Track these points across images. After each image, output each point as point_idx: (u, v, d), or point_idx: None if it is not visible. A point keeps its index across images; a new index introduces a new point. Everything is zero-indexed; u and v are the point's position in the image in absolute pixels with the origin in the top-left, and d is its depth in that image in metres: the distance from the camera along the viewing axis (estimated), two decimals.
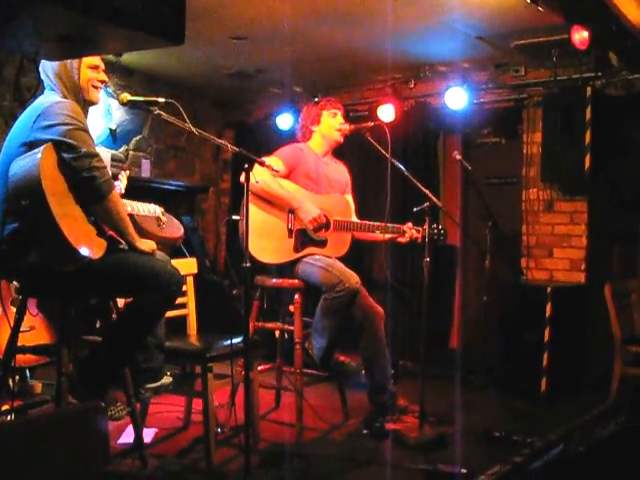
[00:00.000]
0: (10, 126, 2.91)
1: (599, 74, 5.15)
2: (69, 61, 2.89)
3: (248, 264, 3.03)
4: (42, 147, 2.64)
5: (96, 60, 2.98)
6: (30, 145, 2.70)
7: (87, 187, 2.72)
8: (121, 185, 3.29)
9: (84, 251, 2.65)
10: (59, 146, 2.68)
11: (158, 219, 3.22)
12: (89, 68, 2.95)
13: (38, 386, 4.37)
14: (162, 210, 3.30)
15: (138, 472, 3.15)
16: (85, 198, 2.76)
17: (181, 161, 7.09)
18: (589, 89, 4.98)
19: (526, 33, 4.87)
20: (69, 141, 2.69)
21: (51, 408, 3.65)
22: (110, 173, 2.86)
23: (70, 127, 2.72)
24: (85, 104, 2.95)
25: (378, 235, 4.19)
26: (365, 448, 3.72)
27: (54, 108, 2.76)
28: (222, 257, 7.38)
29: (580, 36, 4.34)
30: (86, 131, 2.80)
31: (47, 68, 2.89)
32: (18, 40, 1.82)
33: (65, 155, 2.68)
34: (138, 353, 3.12)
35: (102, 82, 3.02)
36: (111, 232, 2.92)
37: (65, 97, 2.86)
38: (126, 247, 2.96)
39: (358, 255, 5.65)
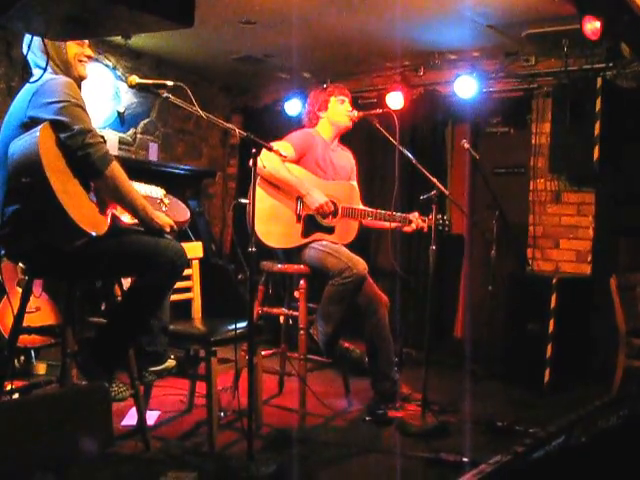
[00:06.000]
0: None
1: (610, 65, 5.12)
2: None
3: (254, 249, 3.03)
4: (40, 126, 2.63)
5: None
6: (27, 125, 2.69)
7: (83, 164, 2.72)
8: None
9: (86, 228, 2.65)
10: (55, 125, 2.68)
11: (160, 201, 3.21)
12: (75, 43, 2.95)
13: (43, 367, 4.40)
14: (164, 192, 3.29)
15: (140, 454, 3.16)
16: (84, 175, 2.76)
17: (189, 145, 7.09)
18: (600, 80, 4.94)
19: (537, 22, 4.83)
20: (63, 119, 2.68)
21: (55, 389, 3.66)
22: (107, 148, 2.85)
23: (64, 104, 2.71)
24: (76, 80, 2.93)
25: (385, 223, 4.19)
26: (367, 435, 3.73)
27: (48, 85, 2.75)
28: (228, 242, 7.38)
29: (592, 26, 4.30)
30: (80, 107, 2.78)
31: (35, 47, 2.88)
32: (26, 20, 1.82)
33: (60, 134, 2.68)
34: (142, 336, 3.13)
35: (88, 57, 3.02)
36: (114, 212, 2.92)
37: (56, 74, 2.86)
38: (140, 227, 2.97)
39: (364, 242, 5.64)
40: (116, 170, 2.82)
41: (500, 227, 4.80)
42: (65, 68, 2.92)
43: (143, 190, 3.15)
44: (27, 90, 2.80)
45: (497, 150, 5.99)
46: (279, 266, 4.06)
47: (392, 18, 4.89)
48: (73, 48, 2.94)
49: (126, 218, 3.00)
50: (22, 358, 4.37)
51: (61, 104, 2.70)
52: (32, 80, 2.81)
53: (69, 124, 2.69)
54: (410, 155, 4.09)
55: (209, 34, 5.49)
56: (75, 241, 2.68)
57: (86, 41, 3.01)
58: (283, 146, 3.85)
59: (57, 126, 2.68)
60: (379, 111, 4.29)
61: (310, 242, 4.01)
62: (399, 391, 4.08)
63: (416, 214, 4.23)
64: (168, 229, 3.03)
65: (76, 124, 2.70)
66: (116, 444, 3.18)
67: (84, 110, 2.81)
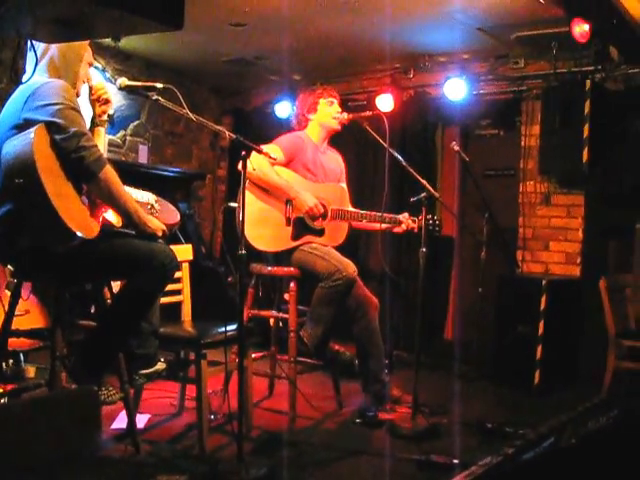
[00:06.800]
0: None
1: (599, 67, 5.14)
2: (76, 52, 2.93)
3: (243, 251, 3.02)
4: (34, 127, 2.63)
5: (92, 59, 3.07)
6: (21, 127, 2.69)
7: (77, 167, 2.72)
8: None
9: (77, 230, 2.64)
10: (49, 127, 2.68)
11: (151, 207, 3.21)
12: (87, 63, 3.03)
13: (32, 370, 4.37)
14: (155, 198, 3.29)
15: (130, 457, 3.15)
16: (78, 178, 2.76)
17: (178, 147, 7.07)
18: (588, 82, 4.96)
19: (526, 25, 4.85)
20: (58, 121, 2.68)
21: (44, 392, 3.64)
22: (102, 152, 2.85)
23: (60, 107, 2.71)
24: None
25: (375, 224, 4.20)
26: (358, 437, 3.73)
27: (44, 88, 2.75)
28: (218, 244, 7.37)
29: (581, 29, 4.32)
30: (76, 110, 2.79)
31: (52, 49, 2.88)
32: (15, 22, 1.81)
33: (55, 136, 2.68)
34: (132, 339, 3.12)
35: (88, 79, 3.07)
36: (105, 216, 2.91)
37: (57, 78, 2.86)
38: (132, 231, 2.96)
39: (354, 245, 5.65)
40: (110, 174, 2.82)
41: (490, 229, 4.81)
42: (71, 80, 2.92)
43: (134, 195, 3.15)
44: (21, 92, 2.79)
45: (487, 152, 6.01)
46: (269, 269, 4.05)
47: (382, 21, 4.90)
48: (85, 68, 3.00)
49: (114, 219, 3.00)
50: (11, 361, 4.34)
51: (57, 106, 2.71)
52: (24, 80, 2.81)
53: (64, 126, 2.69)
54: (400, 157, 4.09)
55: (199, 36, 5.49)
56: (66, 243, 2.67)
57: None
58: (272, 149, 3.85)
59: (52, 128, 2.68)
60: (369, 113, 4.28)
61: (300, 245, 4.01)
62: (389, 393, 4.09)
63: (406, 215, 4.23)
64: (160, 233, 3.03)
65: (71, 127, 2.71)
66: (106, 447, 3.17)
67: (79, 113, 2.81)
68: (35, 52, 2.73)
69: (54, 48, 2.87)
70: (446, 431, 3.77)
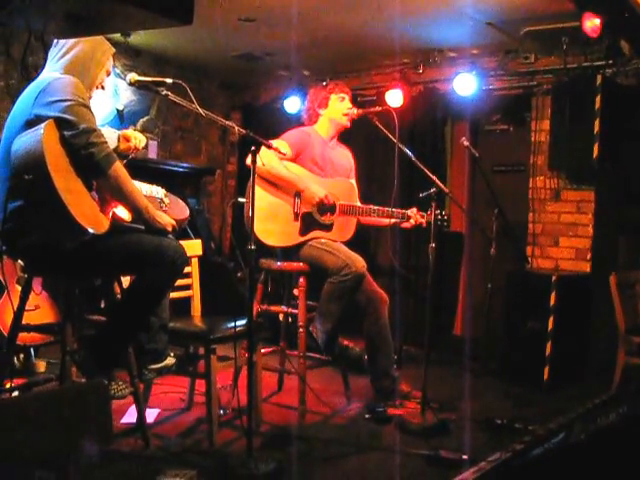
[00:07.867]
0: None
1: (610, 62, 5.10)
2: (99, 59, 2.97)
3: (253, 246, 3.03)
4: (44, 123, 2.64)
5: (111, 68, 3.10)
6: (32, 122, 2.70)
7: (87, 163, 2.73)
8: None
9: (88, 226, 2.65)
10: (59, 123, 2.69)
11: (161, 201, 3.22)
12: (106, 71, 3.05)
13: (42, 365, 4.40)
14: (165, 192, 3.30)
15: (140, 452, 3.17)
16: (87, 174, 2.77)
17: (188, 143, 7.08)
18: (599, 77, 4.93)
19: (537, 20, 4.82)
20: (68, 117, 2.70)
21: (55, 387, 3.66)
22: (111, 148, 2.87)
23: (70, 103, 2.72)
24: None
25: (383, 220, 4.19)
26: (367, 433, 3.73)
27: (55, 84, 2.77)
28: (227, 239, 7.38)
29: (592, 24, 4.30)
30: (86, 106, 2.81)
31: (75, 50, 2.90)
32: (26, 17, 1.82)
33: (65, 132, 2.69)
34: (142, 334, 3.13)
35: (103, 87, 3.09)
36: (114, 211, 2.92)
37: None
38: (141, 227, 2.97)
39: (363, 240, 5.64)
40: (119, 170, 2.83)
41: (499, 225, 4.79)
42: (88, 86, 2.93)
43: (144, 189, 3.16)
44: (33, 88, 2.81)
45: (497, 148, 5.99)
46: (278, 264, 4.05)
47: (391, 15, 4.88)
48: (102, 75, 3.03)
49: (124, 214, 3.01)
50: (22, 356, 4.37)
51: (67, 103, 2.72)
52: (38, 78, 2.82)
53: (74, 123, 2.70)
54: (409, 153, 4.08)
55: (208, 31, 5.49)
56: (76, 239, 2.68)
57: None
58: (279, 144, 3.85)
59: (62, 124, 2.70)
60: (379, 109, 4.28)
61: (308, 240, 4.01)
62: (398, 389, 4.09)
63: (414, 210, 4.22)
64: (170, 229, 3.04)
65: (81, 123, 2.72)
66: (116, 442, 3.18)
67: (89, 110, 2.82)
68: (46, 50, 2.74)
69: (78, 49, 2.89)
70: (455, 427, 3.77)
